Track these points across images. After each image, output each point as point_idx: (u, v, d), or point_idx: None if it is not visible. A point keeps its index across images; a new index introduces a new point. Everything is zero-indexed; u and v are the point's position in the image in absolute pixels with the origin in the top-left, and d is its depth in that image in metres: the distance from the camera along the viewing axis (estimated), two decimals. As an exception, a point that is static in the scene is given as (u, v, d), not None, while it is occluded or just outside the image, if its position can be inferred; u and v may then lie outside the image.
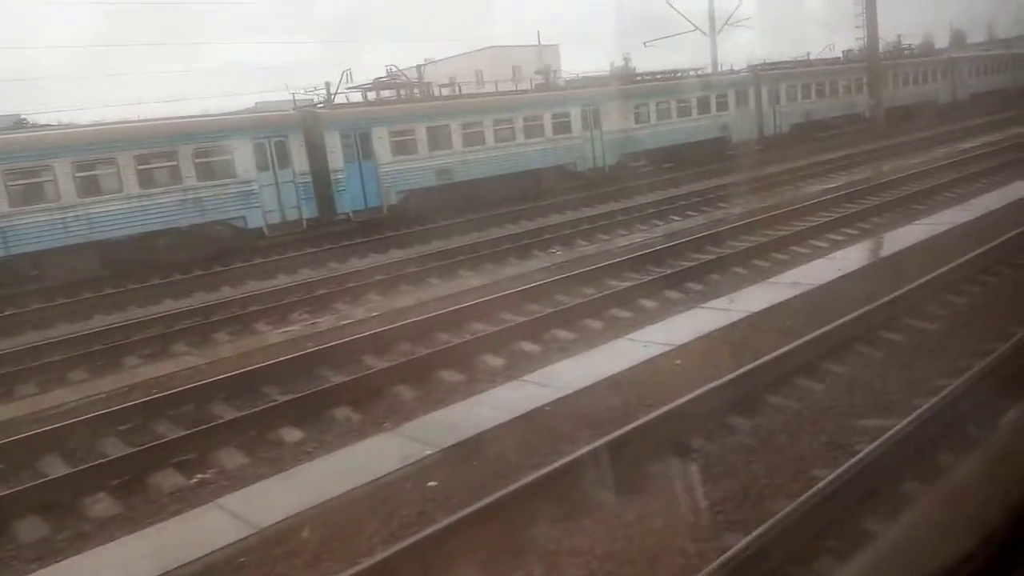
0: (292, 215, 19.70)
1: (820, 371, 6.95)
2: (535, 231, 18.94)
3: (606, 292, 11.15)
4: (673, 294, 10.75)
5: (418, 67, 39.76)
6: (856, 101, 36.31)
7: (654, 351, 7.88)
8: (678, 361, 7.56)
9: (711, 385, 6.26)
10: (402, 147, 21.84)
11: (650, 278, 11.63)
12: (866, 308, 7.87)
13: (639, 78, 31.13)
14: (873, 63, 34.49)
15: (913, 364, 6.89)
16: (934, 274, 8.92)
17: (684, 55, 67.53)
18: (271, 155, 19.34)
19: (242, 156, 18.78)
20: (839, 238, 13.34)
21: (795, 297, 9.44)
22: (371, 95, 24.20)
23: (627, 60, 48.97)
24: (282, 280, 16.49)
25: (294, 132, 19.75)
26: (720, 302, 9.78)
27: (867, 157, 26.73)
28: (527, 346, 9.16)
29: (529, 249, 16.45)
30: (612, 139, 27.31)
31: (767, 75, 33.36)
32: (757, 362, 6.69)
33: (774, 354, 6.85)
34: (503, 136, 24.27)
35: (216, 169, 18.59)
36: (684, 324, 9.00)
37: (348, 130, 20.66)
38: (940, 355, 7.02)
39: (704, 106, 30.56)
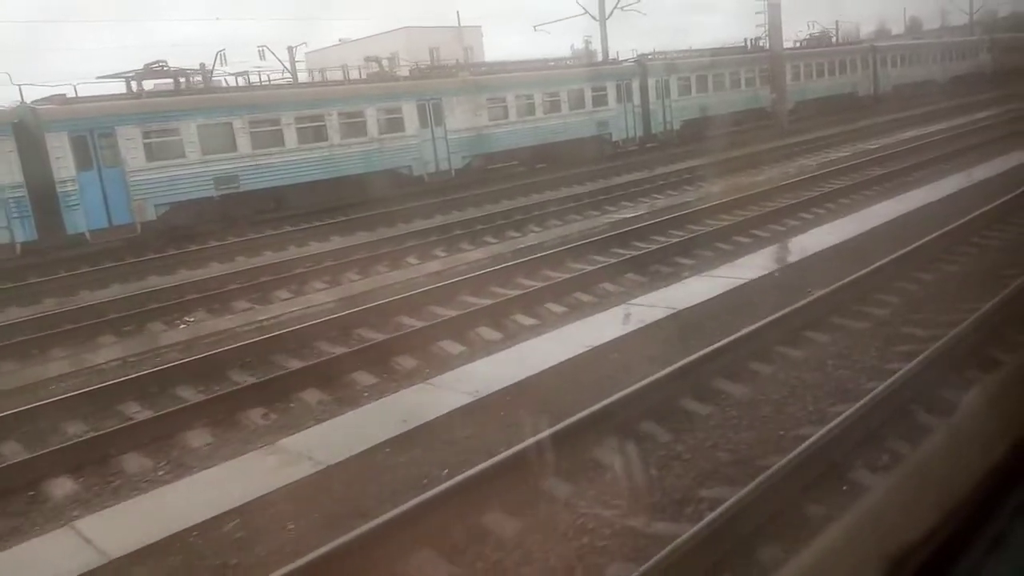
0: (0, 237, 15.90)
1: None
2: (317, 256, 15.42)
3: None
4: (257, 416, 7.02)
5: (289, 49, 35.67)
6: (761, 95, 33.09)
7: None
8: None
9: None
10: (163, 150, 18.06)
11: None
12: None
13: (487, 69, 27.62)
14: (776, 53, 31.27)
15: None
16: (567, 422, 5.29)
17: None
18: (-34, 163, 15.52)
19: (-81, 165, 14.95)
20: (560, 310, 9.62)
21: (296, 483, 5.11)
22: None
23: (587, 43, 44.88)
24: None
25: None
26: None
27: (745, 162, 23.37)
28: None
29: (296, 282, 13.22)
30: (460, 139, 23.76)
31: (655, 66, 29.98)
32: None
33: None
34: (310, 136, 20.59)
35: None
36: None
37: (81, 130, 16.83)
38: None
39: (577, 101, 27.11)
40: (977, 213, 11.24)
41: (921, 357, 5.96)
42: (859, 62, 38.54)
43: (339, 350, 8.68)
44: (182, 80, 19.76)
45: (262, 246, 17.53)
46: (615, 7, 32.99)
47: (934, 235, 10.00)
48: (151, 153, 17.78)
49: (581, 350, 7.09)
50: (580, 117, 27.19)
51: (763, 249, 10.88)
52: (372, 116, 21.78)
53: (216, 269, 15.75)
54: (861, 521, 1.21)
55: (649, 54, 31.25)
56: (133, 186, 17.43)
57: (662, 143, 29.92)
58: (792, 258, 9.57)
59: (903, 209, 13.27)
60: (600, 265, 11.12)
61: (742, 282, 8.61)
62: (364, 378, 7.68)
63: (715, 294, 8.26)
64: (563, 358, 6.95)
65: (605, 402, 5.53)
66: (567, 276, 10.71)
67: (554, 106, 26.48)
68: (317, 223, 20.10)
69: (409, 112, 22.56)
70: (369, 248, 15.73)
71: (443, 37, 58.60)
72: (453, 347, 8.39)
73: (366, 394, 7.30)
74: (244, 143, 19.21)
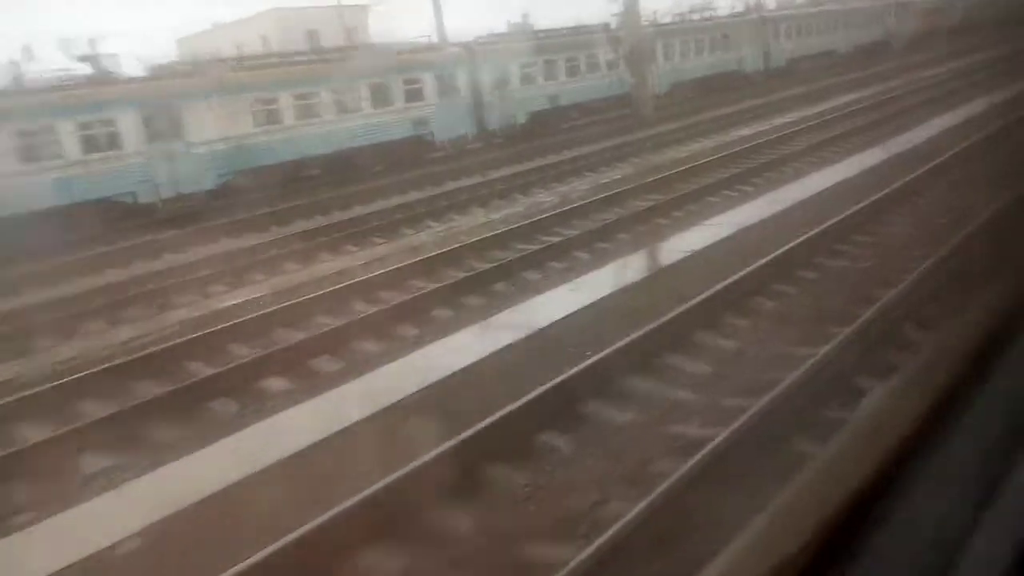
0: None
1: None
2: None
3: None
4: None
5: (90, 42, 30.30)
6: (626, 79, 28.61)
7: None
8: None
9: None
10: None
11: None
12: None
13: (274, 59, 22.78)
14: (633, 31, 26.83)
15: None
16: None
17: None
18: None
19: None
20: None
21: None
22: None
23: (525, 17, 40.23)
24: None
25: None
26: None
27: (577, 165, 19.02)
28: None
29: None
30: (213, 152, 18.94)
31: (487, 51, 25.34)
32: None
33: None
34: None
35: None
36: None
37: None
38: None
39: (382, 96, 22.42)
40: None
41: None
42: (746, 35, 34.35)
43: None
44: None
45: None
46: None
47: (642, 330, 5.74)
48: None
49: None
50: (388, 116, 22.49)
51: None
52: (69, 132, 16.82)
53: None
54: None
55: (482, 37, 26.64)
56: None
57: (506, 139, 25.45)
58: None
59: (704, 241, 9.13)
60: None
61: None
62: None
63: None
64: None
65: None
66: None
67: (350, 104, 21.76)
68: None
69: (129, 124, 17.62)
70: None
71: (321, 18, 53.17)
72: None
73: None
74: None
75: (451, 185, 18.71)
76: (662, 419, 5.35)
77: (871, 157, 13.95)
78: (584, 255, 10.01)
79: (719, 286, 7.12)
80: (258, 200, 18.21)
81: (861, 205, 9.70)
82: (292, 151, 20.44)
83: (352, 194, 18.32)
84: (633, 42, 26.85)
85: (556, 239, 10.84)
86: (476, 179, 18.85)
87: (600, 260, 9.60)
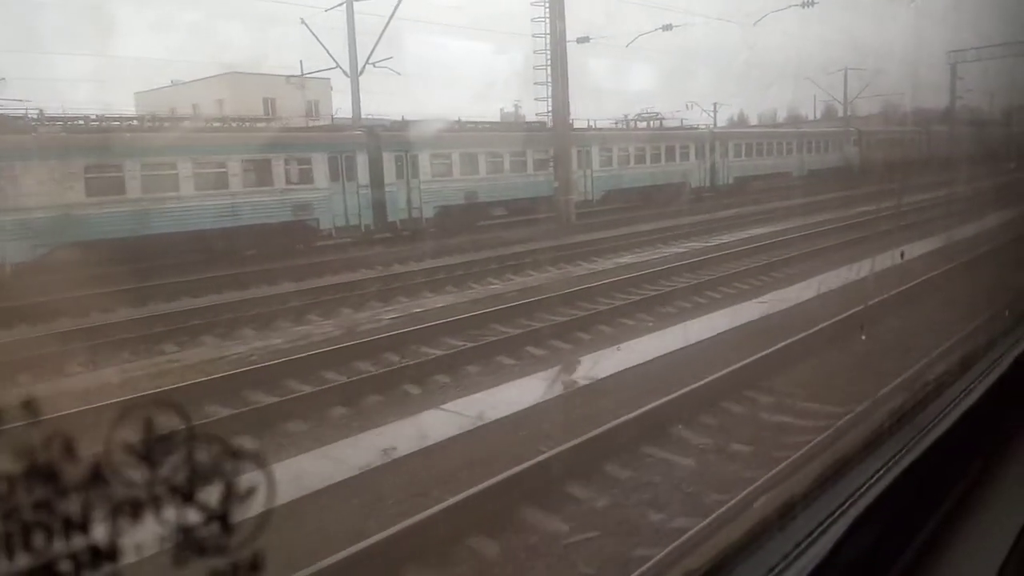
0: None
1: None
2: None
3: None
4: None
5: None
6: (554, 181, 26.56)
7: None
8: None
9: None
10: None
11: None
12: None
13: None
14: (561, 129, 24.87)
15: None
16: None
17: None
18: None
19: None
20: None
21: None
22: None
23: (517, 107, 40.99)
24: None
25: None
26: None
27: (448, 275, 16.31)
28: None
29: None
30: (24, 222, 16.21)
31: (395, 137, 23.13)
32: None
33: None
34: None
35: None
36: None
37: None
38: None
39: (260, 175, 20.01)
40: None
41: None
42: (693, 149, 32.73)
43: None
44: None
45: None
46: (366, 63, 26.45)
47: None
48: None
49: None
50: (263, 196, 19.96)
51: None
52: None
53: None
54: None
55: (398, 121, 24.59)
56: None
57: (412, 233, 22.92)
58: None
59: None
60: None
61: None
62: None
63: None
64: None
65: None
66: None
67: (217, 180, 19.24)
68: None
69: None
70: None
71: (280, 87, 51.42)
72: None
73: None
74: None
75: (306, 284, 15.85)
76: None
77: (756, 308, 11.39)
78: (338, 411, 7.13)
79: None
80: (63, 283, 15.20)
81: (693, 386, 6.95)
82: (134, 227, 17.67)
83: (176, 285, 15.39)
84: (559, 143, 24.85)
85: (302, 392, 7.92)
86: (320, 281, 16.01)
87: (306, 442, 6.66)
